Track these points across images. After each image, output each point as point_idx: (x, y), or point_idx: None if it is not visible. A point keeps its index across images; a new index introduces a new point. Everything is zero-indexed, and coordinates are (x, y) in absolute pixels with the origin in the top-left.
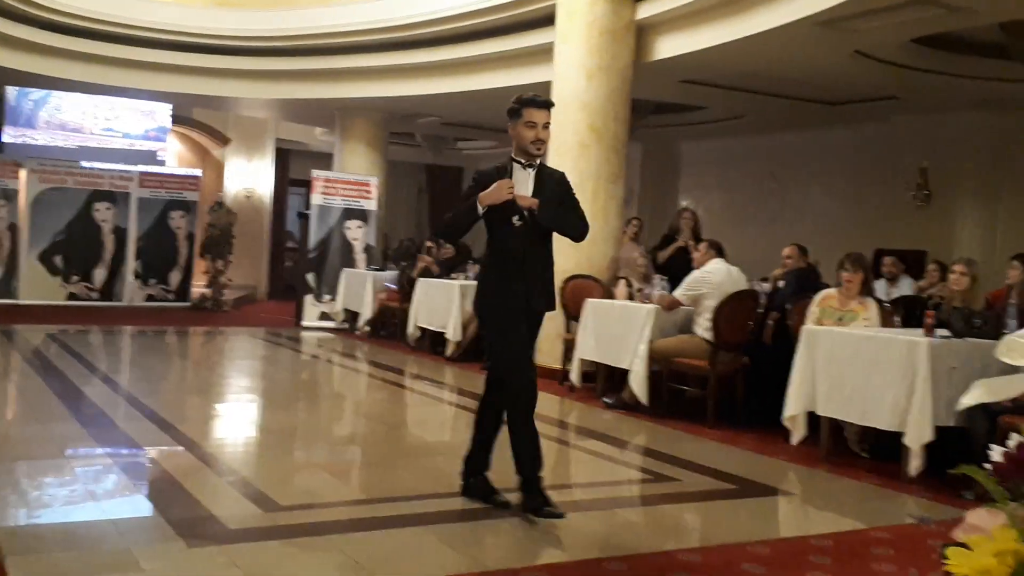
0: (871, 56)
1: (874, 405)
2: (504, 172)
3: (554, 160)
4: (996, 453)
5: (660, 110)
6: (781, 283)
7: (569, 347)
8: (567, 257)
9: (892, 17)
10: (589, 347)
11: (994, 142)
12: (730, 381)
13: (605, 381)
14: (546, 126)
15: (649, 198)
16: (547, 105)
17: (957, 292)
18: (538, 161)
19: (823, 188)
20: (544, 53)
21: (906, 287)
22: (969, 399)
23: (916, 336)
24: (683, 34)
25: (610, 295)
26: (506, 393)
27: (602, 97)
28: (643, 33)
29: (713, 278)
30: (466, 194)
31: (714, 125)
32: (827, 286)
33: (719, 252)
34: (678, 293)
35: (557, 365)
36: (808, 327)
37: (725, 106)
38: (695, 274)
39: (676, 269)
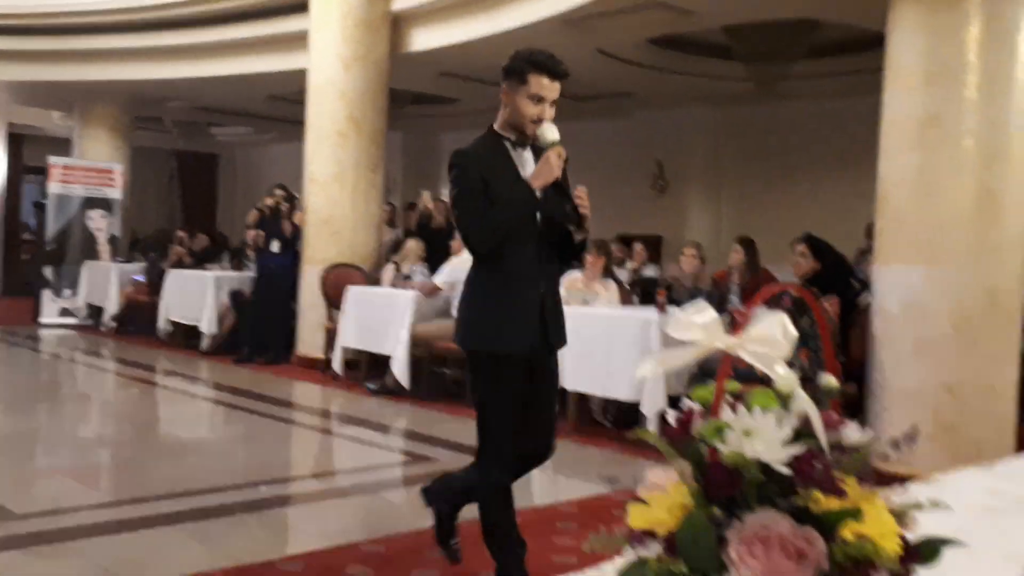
0: (612, 55)
1: (614, 378)
2: (500, 153)
3: (313, 149)
4: (670, 417)
5: (420, 101)
6: None
7: (331, 336)
8: (328, 246)
9: (628, 19)
10: (351, 335)
11: (718, 136)
12: None
13: (368, 368)
14: (553, 103)
15: (411, 187)
16: (564, 76)
17: (687, 273)
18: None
19: (572, 179)
20: (299, 40)
21: (651, 271)
22: (642, 371)
23: (649, 314)
24: (438, 27)
25: (373, 282)
26: (477, 465)
27: (360, 87)
28: (400, 24)
29: (469, 265)
30: (465, 186)
31: (472, 117)
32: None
33: None
34: (438, 279)
35: (319, 354)
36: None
37: (481, 99)
38: (454, 261)
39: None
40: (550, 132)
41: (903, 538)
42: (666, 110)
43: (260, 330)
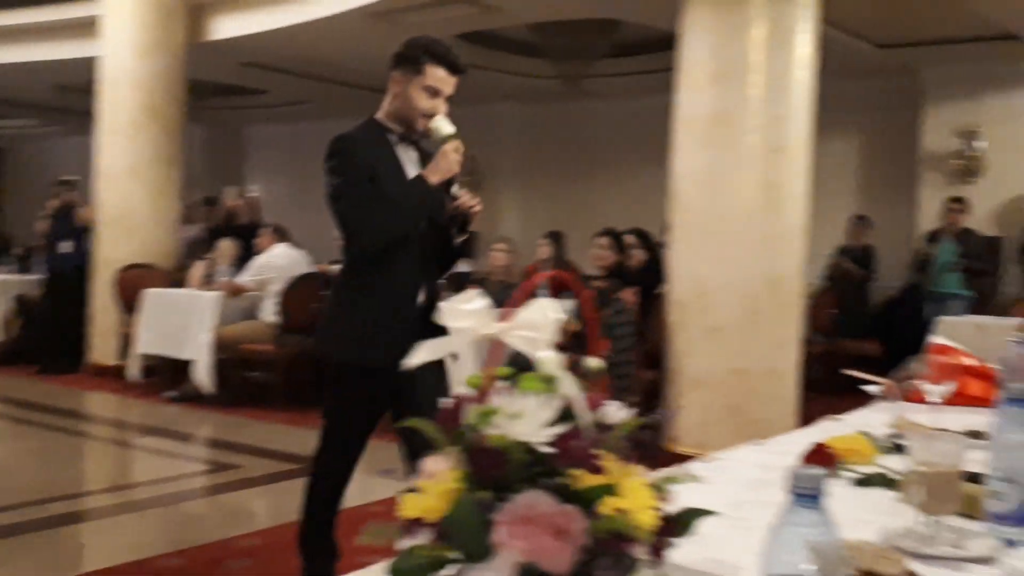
0: None
1: None
2: (383, 143)
3: (105, 142)
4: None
5: (224, 92)
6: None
7: (127, 341)
8: (118, 245)
9: (435, 13)
10: (149, 340)
11: (529, 132)
12: (299, 363)
13: (170, 374)
14: (446, 100)
15: (214, 183)
16: (463, 71)
17: (498, 267)
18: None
19: None
20: (89, 26)
21: (465, 266)
22: (414, 359)
23: None
24: (240, 15)
25: (174, 284)
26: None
27: (156, 76)
28: (199, 12)
29: (278, 262)
30: (351, 176)
31: (280, 109)
32: None
33: (283, 237)
34: (244, 279)
35: (114, 361)
36: None
37: (288, 91)
38: (260, 259)
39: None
40: (445, 125)
41: (660, 511)
42: (478, 106)
43: (50, 337)
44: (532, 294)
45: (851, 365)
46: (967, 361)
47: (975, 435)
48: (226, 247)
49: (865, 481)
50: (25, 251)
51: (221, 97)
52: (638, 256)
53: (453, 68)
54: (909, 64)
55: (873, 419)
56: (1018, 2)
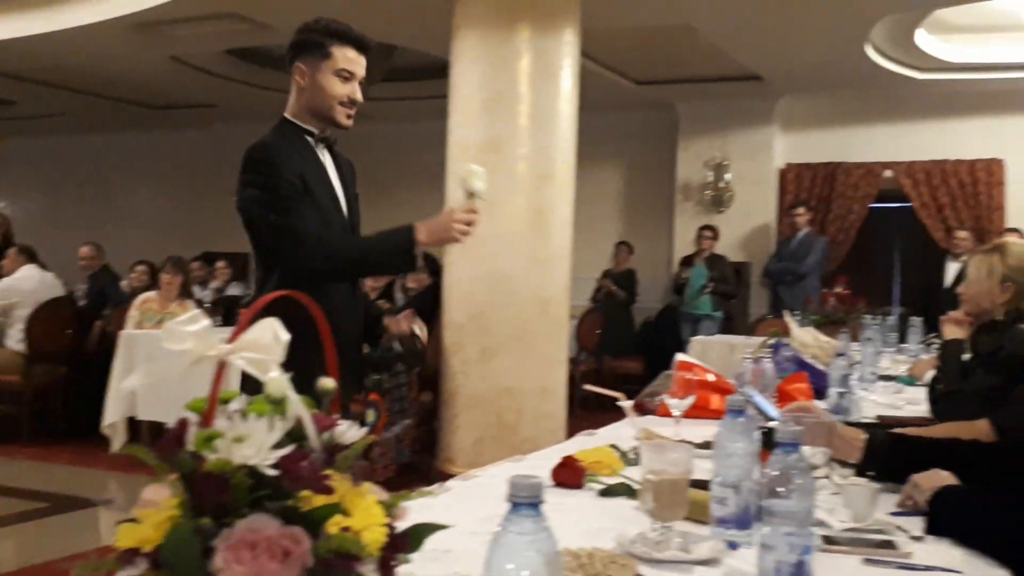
0: (188, 63)
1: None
2: (305, 147)
3: None
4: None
5: None
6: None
7: None
8: None
9: (203, 27)
10: None
11: None
12: (48, 394)
13: None
14: (362, 82)
15: None
16: (371, 48)
17: None
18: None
19: (151, 191)
20: None
21: (236, 289)
22: (129, 383)
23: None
24: None
25: None
26: None
27: None
28: None
29: (24, 285)
30: (283, 187)
31: (32, 122)
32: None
33: (31, 258)
34: None
35: None
36: (126, 332)
37: (40, 102)
38: (4, 282)
39: None
40: (477, 180)
41: (391, 528)
42: (250, 122)
43: None
44: (259, 315)
45: (616, 382)
46: (709, 377)
47: (707, 445)
48: None
49: (609, 491)
50: None
51: None
52: (421, 279)
53: (362, 45)
54: (665, 100)
55: (624, 432)
56: (761, 46)
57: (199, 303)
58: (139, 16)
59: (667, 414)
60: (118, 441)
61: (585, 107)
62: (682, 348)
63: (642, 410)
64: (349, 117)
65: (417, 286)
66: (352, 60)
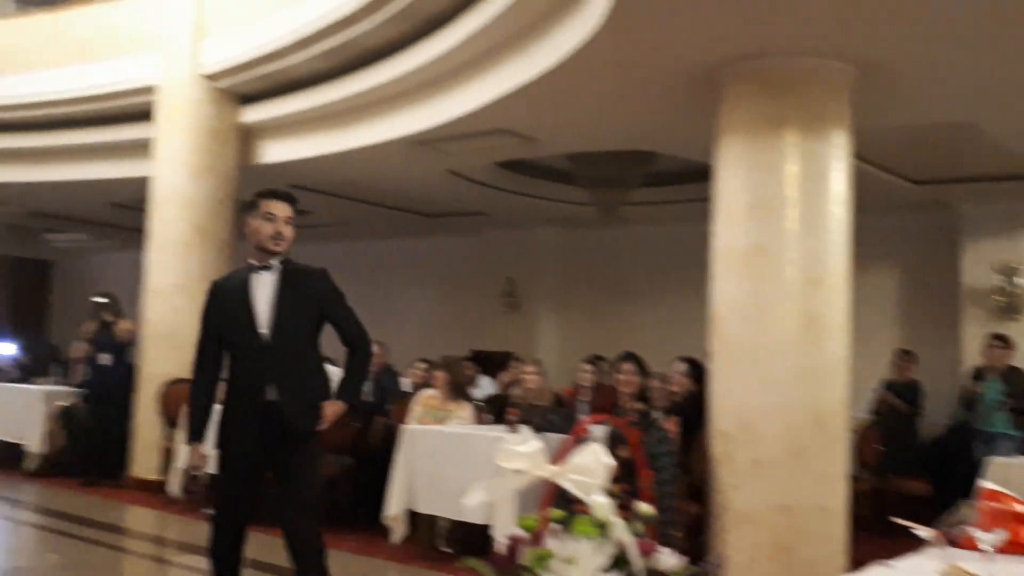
0: (462, 175)
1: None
2: (241, 278)
3: (155, 259)
4: (499, 546)
5: None
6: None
7: (168, 456)
8: (163, 360)
9: (476, 143)
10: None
11: (566, 255)
12: (334, 483)
13: (208, 490)
14: (288, 221)
15: None
16: (288, 198)
17: (530, 390)
18: (279, 260)
19: (422, 292)
20: (142, 147)
21: (487, 386)
22: (472, 499)
23: (500, 432)
24: (289, 141)
25: None
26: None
27: (207, 197)
28: (250, 136)
29: None
30: (202, 310)
31: (321, 229)
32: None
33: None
34: None
35: (156, 476)
36: (410, 427)
37: (331, 212)
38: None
39: None
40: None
41: None
42: (516, 229)
43: (93, 450)
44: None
45: (899, 504)
46: (1019, 508)
47: None
48: None
49: None
50: (65, 362)
51: None
52: (683, 383)
53: (280, 196)
54: (946, 200)
55: (925, 566)
56: None
57: (473, 401)
58: (421, 135)
59: (973, 547)
60: (398, 532)
61: (858, 208)
62: (974, 469)
63: (944, 541)
64: (278, 244)
65: (680, 390)
66: (273, 206)
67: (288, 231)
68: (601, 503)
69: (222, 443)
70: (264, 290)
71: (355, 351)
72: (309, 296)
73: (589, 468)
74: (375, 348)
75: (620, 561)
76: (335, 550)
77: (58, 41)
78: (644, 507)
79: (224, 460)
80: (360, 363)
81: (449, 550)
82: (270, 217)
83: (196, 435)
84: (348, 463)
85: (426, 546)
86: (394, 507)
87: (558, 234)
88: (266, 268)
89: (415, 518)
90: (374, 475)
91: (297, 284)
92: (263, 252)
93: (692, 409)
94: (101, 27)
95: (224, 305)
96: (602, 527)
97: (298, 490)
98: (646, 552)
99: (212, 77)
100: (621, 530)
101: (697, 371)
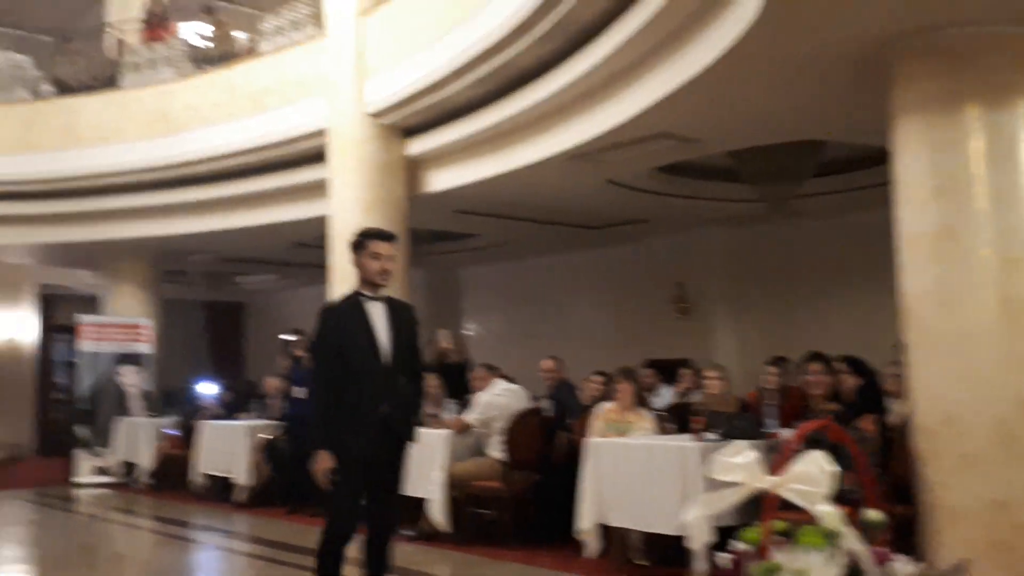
0: (622, 184)
1: (657, 511)
2: (356, 306)
3: (338, 292)
4: (720, 558)
5: (439, 238)
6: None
7: None
8: None
9: (635, 150)
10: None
11: (736, 255)
12: (524, 499)
13: (403, 512)
14: (391, 258)
15: (435, 323)
16: (391, 238)
17: (713, 395)
18: (384, 292)
19: (591, 304)
20: (318, 188)
21: (666, 395)
22: (692, 513)
23: (686, 442)
24: (452, 168)
25: None
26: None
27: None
28: (415, 167)
29: (501, 400)
30: (319, 334)
31: (489, 251)
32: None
33: (497, 374)
34: (471, 417)
35: None
36: (594, 440)
37: (496, 233)
38: (484, 397)
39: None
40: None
41: None
42: (682, 233)
43: (295, 479)
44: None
45: None
46: None
47: None
48: (432, 384)
49: None
50: (263, 397)
51: (437, 243)
52: (849, 382)
53: (384, 237)
54: None
55: None
56: None
57: (653, 410)
58: (579, 147)
59: None
60: (593, 547)
61: None
62: None
63: None
64: (384, 279)
65: (848, 390)
66: (379, 246)
67: (392, 267)
68: (830, 512)
69: (341, 452)
70: (379, 320)
71: (419, 377)
72: (409, 325)
73: (812, 477)
74: (549, 363)
75: (854, 572)
76: (530, 566)
77: (233, 96)
78: (873, 514)
79: (343, 467)
80: (425, 387)
81: (645, 562)
82: (376, 256)
83: (326, 444)
84: (534, 479)
85: (621, 559)
86: (586, 521)
87: (726, 234)
88: (376, 299)
89: (607, 531)
90: (561, 490)
91: (400, 315)
92: (371, 285)
93: (867, 406)
94: (272, 78)
95: (345, 331)
96: (831, 537)
97: (393, 500)
98: (881, 561)
99: (377, 115)
100: (852, 540)
101: (859, 367)
